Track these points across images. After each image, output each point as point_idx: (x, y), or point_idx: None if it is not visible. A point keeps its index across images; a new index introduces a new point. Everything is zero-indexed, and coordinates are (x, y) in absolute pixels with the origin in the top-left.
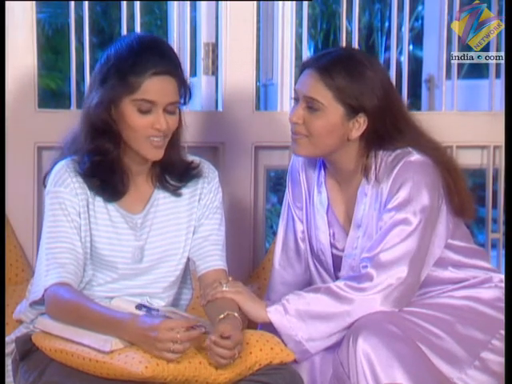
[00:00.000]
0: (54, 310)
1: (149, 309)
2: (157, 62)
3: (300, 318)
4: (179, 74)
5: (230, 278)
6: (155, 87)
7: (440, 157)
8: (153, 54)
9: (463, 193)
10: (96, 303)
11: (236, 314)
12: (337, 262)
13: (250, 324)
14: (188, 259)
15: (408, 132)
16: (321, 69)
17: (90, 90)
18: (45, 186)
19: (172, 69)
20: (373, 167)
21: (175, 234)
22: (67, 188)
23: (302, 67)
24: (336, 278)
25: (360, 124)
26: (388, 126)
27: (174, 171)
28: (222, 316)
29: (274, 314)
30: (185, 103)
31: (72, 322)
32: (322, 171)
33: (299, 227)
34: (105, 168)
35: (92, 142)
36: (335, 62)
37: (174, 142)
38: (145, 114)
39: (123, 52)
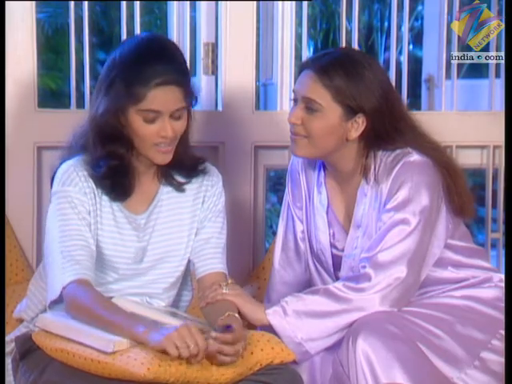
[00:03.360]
0: (74, 312)
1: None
2: (161, 71)
3: (299, 319)
4: (184, 82)
5: (230, 281)
6: (160, 97)
7: (439, 157)
8: (157, 62)
9: (463, 193)
10: (114, 309)
11: (236, 315)
12: (337, 261)
13: (250, 327)
14: (188, 261)
15: (407, 132)
16: (319, 69)
17: (97, 95)
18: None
19: (176, 78)
20: (372, 167)
21: (177, 235)
22: (76, 187)
23: (300, 68)
24: (336, 277)
25: (359, 124)
26: (387, 126)
27: (181, 168)
28: (222, 318)
29: (272, 316)
30: (192, 105)
31: (89, 325)
32: (322, 171)
33: (299, 227)
34: (119, 171)
35: (104, 147)
36: (333, 63)
37: (181, 140)
38: (151, 123)
39: (127, 59)
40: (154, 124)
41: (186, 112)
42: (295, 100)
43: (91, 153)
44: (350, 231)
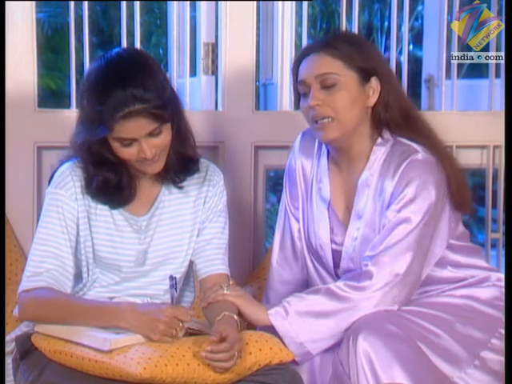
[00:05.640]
0: (37, 311)
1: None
2: (123, 103)
3: (301, 320)
4: (151, 107)
5: (231, 282)
6: (127, 128)
7: (442, 150)
8: (120, 92)
9: (461, 185)
10: (85, 298)
11: (234, 316)
12: (336, 257)
13: (250, 327)
14: (190, 262)
15: (412, 117)
16: (324, 46)
17: (77, 117)
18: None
19: (140, 108)
20: (379, 155)
21: (179, 236)
22: (68, 192)
23: (300, 57)
24: (335, 274)
25: (374, 89)
26: (396, 94)
27: (179, 169)
28: (218, 318)
29: (274, 316)
30: (172, 118)
31: (63, 318)
32: (326, 165)
33: (296, 226)
34: (113, 186)
35: (94, 168)
36: (337, 37)
37: (173, 144)
38: (128, 147)
39: (91, 90)
40: (132, 147)
41: (169, 123)
42: (304, 94)
43: (83, 169)
44: (350, 222)
